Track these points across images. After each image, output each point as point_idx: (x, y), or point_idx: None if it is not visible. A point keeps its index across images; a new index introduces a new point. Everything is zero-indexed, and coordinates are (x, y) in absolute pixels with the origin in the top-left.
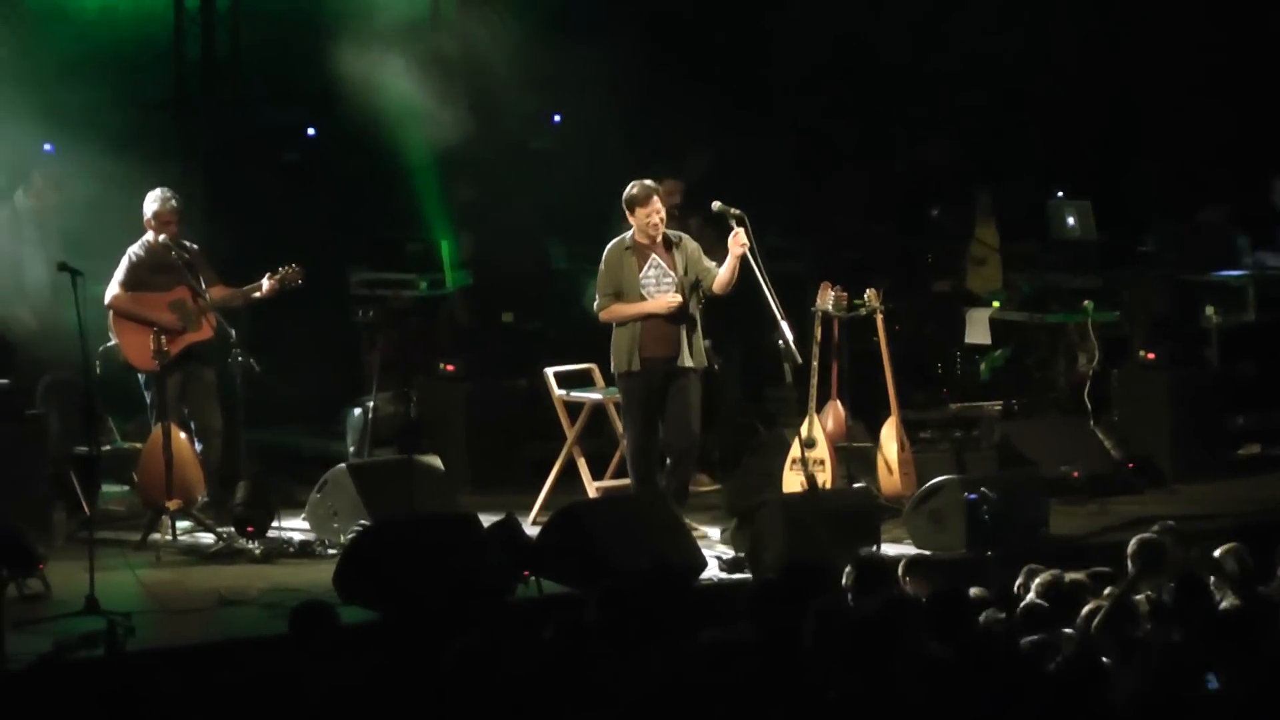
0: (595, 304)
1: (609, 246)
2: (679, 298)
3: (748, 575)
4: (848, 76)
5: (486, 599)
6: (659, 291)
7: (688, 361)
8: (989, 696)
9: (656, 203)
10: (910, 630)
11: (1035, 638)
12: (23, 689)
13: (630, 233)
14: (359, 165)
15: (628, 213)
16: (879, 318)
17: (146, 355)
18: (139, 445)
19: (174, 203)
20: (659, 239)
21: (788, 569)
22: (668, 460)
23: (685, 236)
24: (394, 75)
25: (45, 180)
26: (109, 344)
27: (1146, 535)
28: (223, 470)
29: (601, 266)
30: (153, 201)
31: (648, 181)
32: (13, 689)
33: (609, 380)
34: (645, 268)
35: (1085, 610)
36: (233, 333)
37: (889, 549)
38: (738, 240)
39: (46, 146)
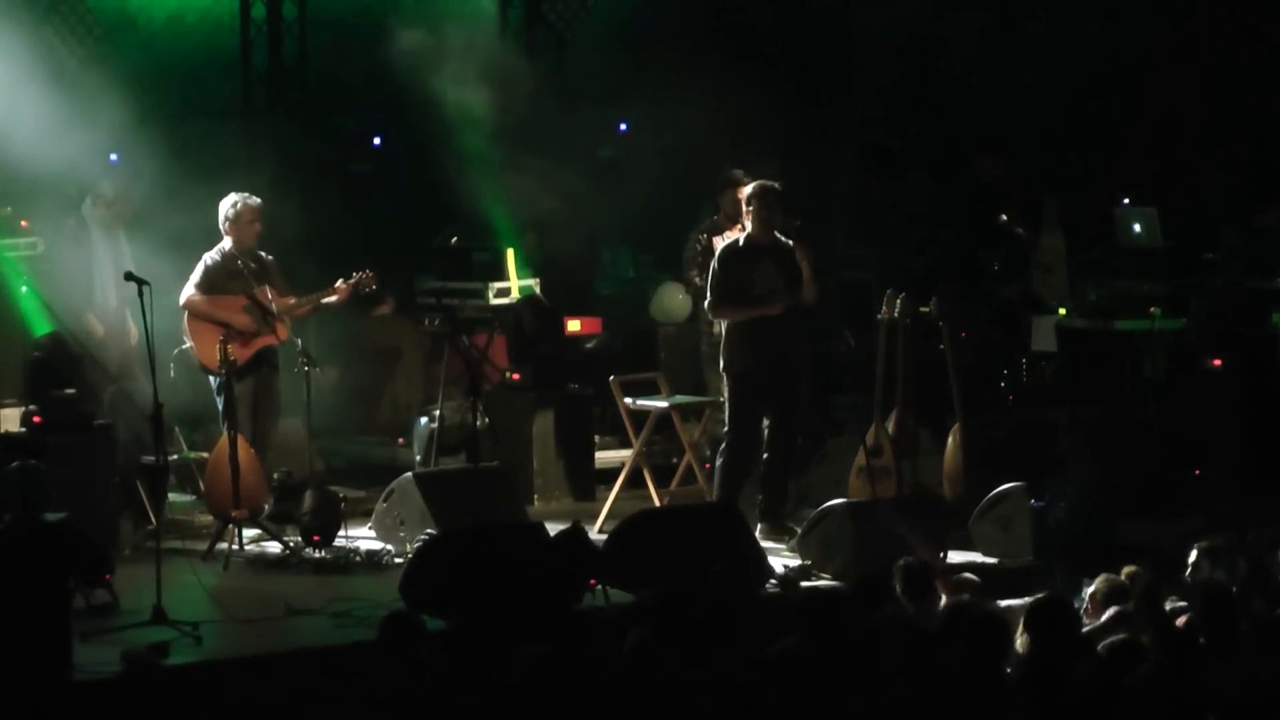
0: (707, 303)
1: (722, 247)
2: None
3: (813, 583)
4: (916, 85)
5: (553, 608)
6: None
7: (796, 362)
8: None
9: (772, 199)
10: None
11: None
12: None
13: (744, 233)
14: (425, 174)
15: (746, 207)
16: (944, 325)
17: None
18: (205, 455)
19: (252, 200)
20: (769, 240)
21: (854, 579)
22: (776, 460)
23: (787, 240)
24: (460, 84)
25: (113, 190)
26: (184, 347)
27: (1211, 543)
28: (290, 480)
29: (715, 266)
30: (234, 203)
31: (771, 182)
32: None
33: (675, 389)
34: (759, 267)
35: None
36: (299, 341)
37: (955, 556)
38: (800, 253)
39: (112, 157)
